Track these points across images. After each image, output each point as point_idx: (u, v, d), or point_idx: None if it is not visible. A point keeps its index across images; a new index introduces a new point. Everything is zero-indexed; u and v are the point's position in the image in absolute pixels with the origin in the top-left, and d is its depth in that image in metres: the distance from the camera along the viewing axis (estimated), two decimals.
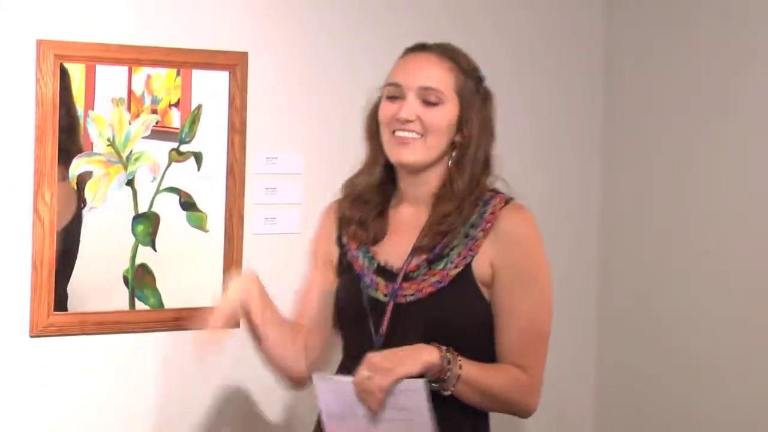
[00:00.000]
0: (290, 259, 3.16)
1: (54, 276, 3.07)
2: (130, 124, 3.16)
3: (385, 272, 2.51)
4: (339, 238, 2.62)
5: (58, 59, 3.04)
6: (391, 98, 2.49)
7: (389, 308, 2.44)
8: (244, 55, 3.30)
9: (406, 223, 2.53)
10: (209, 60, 3.25)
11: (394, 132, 2.47)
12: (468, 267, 2.43)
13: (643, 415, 3.67)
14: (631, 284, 3.74)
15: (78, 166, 3.10)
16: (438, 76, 2.48)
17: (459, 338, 2.38)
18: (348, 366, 2.45)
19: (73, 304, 3.11)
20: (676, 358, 3.55)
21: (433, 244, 2.45)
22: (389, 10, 3.48)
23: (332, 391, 2.35)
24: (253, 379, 3.31)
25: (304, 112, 3.40)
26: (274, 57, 3.35)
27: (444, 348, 2.34)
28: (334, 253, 2.63)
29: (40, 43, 3.03)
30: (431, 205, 2.50)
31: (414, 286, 2.45)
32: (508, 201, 2.49)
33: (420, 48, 2.55)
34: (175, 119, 3.22)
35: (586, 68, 3.82)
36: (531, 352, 2.44)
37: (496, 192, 2.52)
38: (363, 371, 2.29)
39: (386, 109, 2.49)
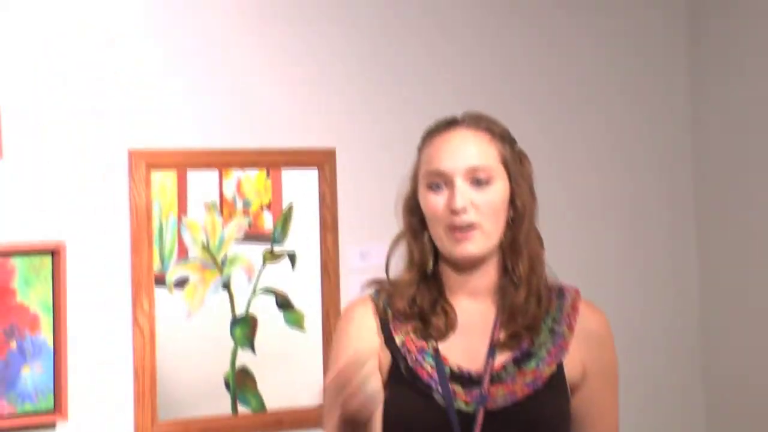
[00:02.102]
0: None
1: (156, 384, 3.07)
2: (223, 228, 3.17)
3: (460, 378, 2.18)
4: (389, 340, 2.23)
5: (150, 168, 3.07)
6: (435, 188, 2.21)
7: (479, 418, 2.15)
8: (331, 152, 3.31)
9: (471, 320, 2.23)
10: (298, 158, 3.27)
11: (449, 226, 2.19)
12: (560, 366, 2.22)
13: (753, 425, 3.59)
14: (734, 289, 3.68)
15: (175, 272, 3.12)
16: (481, 150, 2.21)
17: None
18: None
19: (176, 411, 3.11)
20: None
21: (518, 342, 2.20)
22: (471, 100, 3.48)
23: None
24: None
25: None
26: (360, 152, 3.36)
27: None
28: (384, 357, 2.22)
29: (132, 154, 3.06)
30: (496, 296, 2.24)
31: (504, 388, 2.17)
32: (578, 293, 2.31)
33: (450, 125, 2.27)
34: (267, 221, 3.23)
35: (671, 89, 3.81)
36: None
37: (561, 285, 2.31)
38: None
39: (434, 202, 2.21)
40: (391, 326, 2.23)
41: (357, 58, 3.38)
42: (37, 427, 2.96)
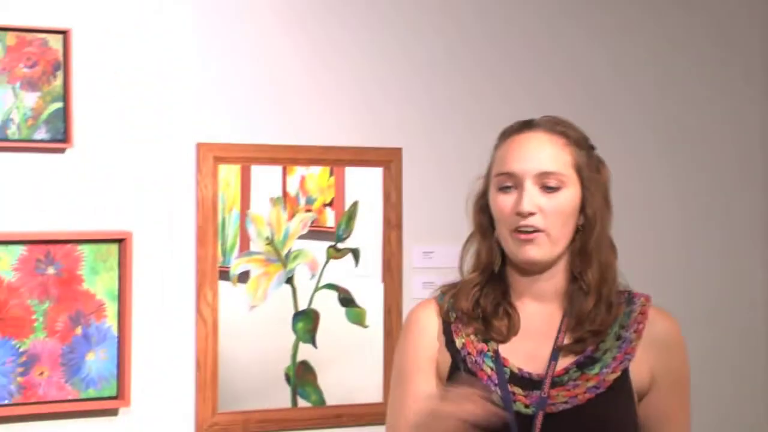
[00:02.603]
0: None
1: (218, 375, 3.11)
2: (288, 222, 3.20)
3: (521, 380, 2.16)
4: (449, 343, 2.22)
5: (217, 161, 3.12)
6: (505, 189, 2.18)
7: (539, 421, 2.12)
8: (398, 151, 3.33)
9: (536, 323, 2.21)
10: (364, 157, 3.29)
11: (514, 228, 2.16)
12: (625, 372, 2.18)
13: None
14: None
15: (238, 265, 3.15)
16: (554, 156, 2.17)
17: None
18: None
19: (236, 402, 3.14)
20: None
21: (583, 347, 2.17)
22: (542, 101, 3.48)
23: None
24: None
25: (460, 205, 3.38)
26: (426, 152, 3.38)
27: None
28: (444, 360, 2.22)
29: (200, 146, 3.11)
30: (563, 301, 2.21)
31: (566, 392, 2.14)
32: (649, 299, 2.25)
33: (525, 126, 2.23)
34: (329, 219, 3.25)
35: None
36: None
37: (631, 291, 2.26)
38: None
39: (502, 203, 2.17)
40: (453, 328, 2.22)
41: (427, 59, 3.40)
42: (99, 412, 3.01)
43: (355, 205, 3.28)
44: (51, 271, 2.95)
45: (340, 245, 3.27)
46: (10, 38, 2.90)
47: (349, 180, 3.29)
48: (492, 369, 2.16)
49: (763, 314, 3.78)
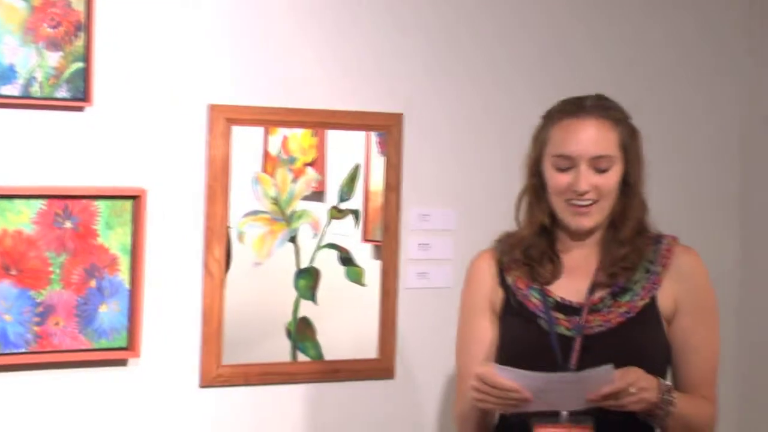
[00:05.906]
0: (443, 313, 3.31)
1: (222, 329, 3.22)
2: (292, 183, 3.30)
3: (563, 308, 2.56)
4: (502, 282, 2.64)
5: (228, 123, 3.21)
6: (561, 168, 2.53)
7: (578, 342, 2.51)
8: (398, 116, 3.43)
9: (578, 264, 2.60)
10: (366, 121, 3.39)
11: (569, 201, 2.54)
12: (653, 299, 2.55)
13: None
14: None
15: (245, 223, 3.26)
16: (605, 141, 2.53)
17: (646, 367, 2.44)
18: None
19: (239, 355, 3.26)
20: None
21: (615, 280, 2.55)
22: (540, 66, 3.61)
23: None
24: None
25: (456, 170, 3.52)
26: (426, 117, 3.48)
27: (664, 388, 2.44)
28: (498, 296, 2.64)
29: (212, 108, 3.19)
30: (600, 247, 2.59)
31: (600, 317, 2.53)
32: (675, 239, 2.62)
33: (578, 110, 2.56)
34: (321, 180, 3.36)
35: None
36: (713, 383, 2.60)
37: (660, 233, 2.63)
38: (626, 382, 2.37)
39: (559, 180, 2.54)
40: (505, 268, 2.64)
41: (429, 23, 3.48)
42: (110, 362, 3.12)
43: (356, 167, 3.39)
44: (68, 225, 3.04)
45: (342, 206, 3.38)
46: None
47: (354, 142, 3.39)
48: (538, 299, 2.58)
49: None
